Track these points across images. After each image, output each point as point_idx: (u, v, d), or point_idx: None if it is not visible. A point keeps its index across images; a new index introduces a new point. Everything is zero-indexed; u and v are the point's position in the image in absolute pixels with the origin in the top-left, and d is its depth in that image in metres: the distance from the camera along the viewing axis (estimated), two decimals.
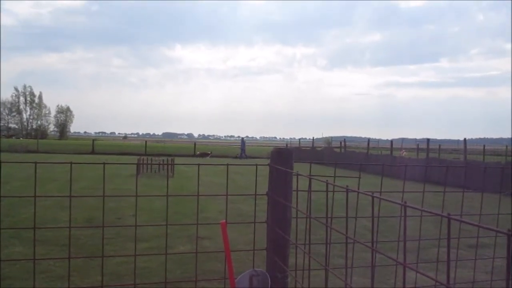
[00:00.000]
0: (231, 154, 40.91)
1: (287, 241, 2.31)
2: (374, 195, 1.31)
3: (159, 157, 21.78)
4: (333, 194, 2.01)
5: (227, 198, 2.44)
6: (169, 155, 30.24)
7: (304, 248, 2.08)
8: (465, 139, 20.27)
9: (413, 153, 35.27)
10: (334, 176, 2.35)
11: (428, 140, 22.75)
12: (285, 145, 46.47)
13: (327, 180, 1.66)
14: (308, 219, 2.01)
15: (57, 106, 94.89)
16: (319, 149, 37.71)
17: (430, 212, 1.07)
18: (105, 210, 8.95)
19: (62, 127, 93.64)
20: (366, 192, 1.33)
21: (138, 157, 19.73)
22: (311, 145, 39.86)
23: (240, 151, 38.51)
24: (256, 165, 2.46)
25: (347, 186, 1.49)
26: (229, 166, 2.56)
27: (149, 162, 17.62)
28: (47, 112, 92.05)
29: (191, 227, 6.87)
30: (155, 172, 18.06)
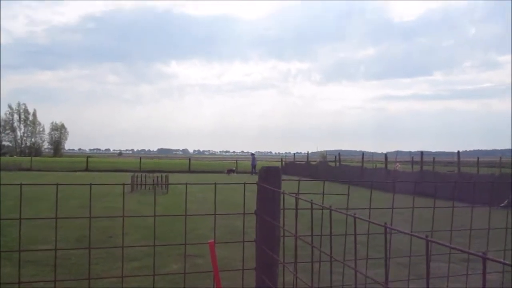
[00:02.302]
0: (248, 169, 39.73)
1: (275, 260, 2.29)
2: (356, 215, 1.31)
3: (153, 173, 21.68)
4: (322, 212, 2.01)
5: (215, 217, 2.43)
6: (164, 172, 30.10)
7: (295, 266, 2.07)
8: (458, 151, 20.38)
9: (408, 165, 35.35)
10: (323, 194, 2.35)
11: (421, 153, 22.83)
12: (280, 159, 46.47)
13: (311, 200, 1.66)
14: (295, 238, 2.00)
15: (51, 123, 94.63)
16: (313, 163, 37.72)
17: (409, 234, 1.06)
18: (97, 228, 8.87)
19: (56, 144, 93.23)
20: (348, 214, 1.33)
21: (132, 174, 19.65)
22: (306, 160, 39.88)
23: (251, 167, 37.31)
24: (244, 183, 2.46)
25: (330, 206, 1.49)
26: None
27: (141, 181, 17.53)
28: (41, 129, 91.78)
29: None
30: (149, 189, 17.97)
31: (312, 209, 1.65)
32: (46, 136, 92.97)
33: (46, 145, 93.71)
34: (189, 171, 39.13)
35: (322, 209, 1.89)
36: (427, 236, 1.00)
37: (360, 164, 28.67)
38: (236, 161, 47.21)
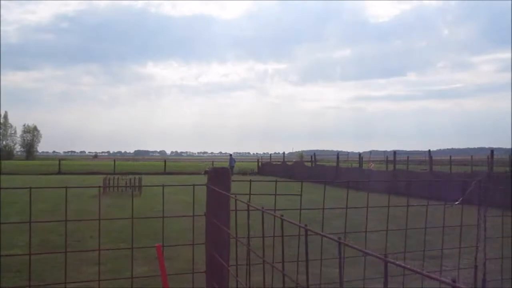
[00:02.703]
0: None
1: (223, 264, 2.25)
2: (284, 217, 1.28)
3: (127, 175, 21.35)
4: (275, 218, 1.98)
5: (163, 220, 2.38)
6: (139, 174, 29.73)
7: (236, 269, 2.03)
8: (429, 150, 20.78)
9: (382, 165, 35.84)
10: (275, 194, 2.32)
11: (394, 152, 23.20)
12: (256, 160, 46.56)
13: (247, 202, 1.63)
14: (245, 241, 1.97)
15: (24, 125, 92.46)
16: (289, 163, 37.89)
17: (324, 235, 1.04)
18: (63, 232, 8.64)
19: (29, 147, 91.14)
20: (276, 215, 1.30)
21: (105, 176, 19.32)
22: (282, 160, 40.05)
23: (230, 168, 36.41)
24: (194, 185, 2.42)
25: (262, 207, 1.46)
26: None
27: (113, 184, 17.20)
28: (12, 132, 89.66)
29: (151, 246, 6.72)
30: (121, 191, 17.70)
31: (248, 210, 1.62)
32: (18, 139, 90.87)
33: (18, 148, 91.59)
34: (165, 172, 38.76)
35: (276, 210, 1.87)
36: (339, 238, 0.97)
37: (335, 164, 28.92)
38: (212, 162, 47.04)
